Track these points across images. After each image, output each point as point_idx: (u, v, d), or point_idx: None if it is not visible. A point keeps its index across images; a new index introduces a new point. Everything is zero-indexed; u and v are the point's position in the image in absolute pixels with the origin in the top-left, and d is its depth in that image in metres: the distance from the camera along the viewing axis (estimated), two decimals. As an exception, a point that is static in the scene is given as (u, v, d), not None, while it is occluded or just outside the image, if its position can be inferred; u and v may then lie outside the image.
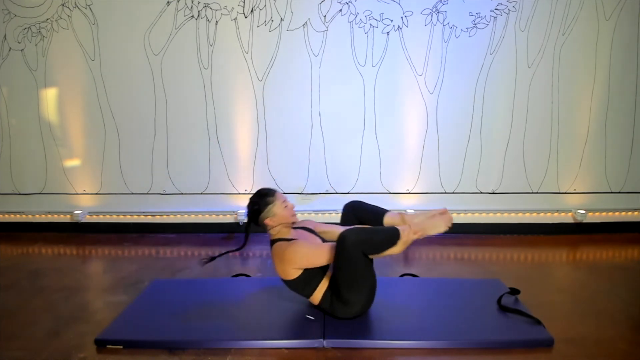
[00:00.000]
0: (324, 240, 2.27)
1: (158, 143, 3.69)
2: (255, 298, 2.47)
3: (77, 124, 3.71)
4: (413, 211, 3.61)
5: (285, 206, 2.18)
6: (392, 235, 2.01)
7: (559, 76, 3.47)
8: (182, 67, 3.56)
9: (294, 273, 2.10)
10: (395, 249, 2.02)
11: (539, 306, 2.30)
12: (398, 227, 2.05)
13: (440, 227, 2.12)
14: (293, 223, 2.23)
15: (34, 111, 3.71)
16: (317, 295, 2.15)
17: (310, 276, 2.12)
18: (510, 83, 3.49)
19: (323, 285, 2.14)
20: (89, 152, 3.76)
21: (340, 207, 2.44)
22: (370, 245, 2.00)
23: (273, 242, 2.19)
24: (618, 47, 3.43)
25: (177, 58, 3.55)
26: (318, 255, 2.06)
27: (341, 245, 1.97)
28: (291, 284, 2.15)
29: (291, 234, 2.21)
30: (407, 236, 2.02)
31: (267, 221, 2.16)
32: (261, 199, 2.17)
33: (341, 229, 2.28)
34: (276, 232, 2.19)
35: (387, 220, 2.29)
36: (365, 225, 2.28)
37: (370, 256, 2.05)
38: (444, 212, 2.16)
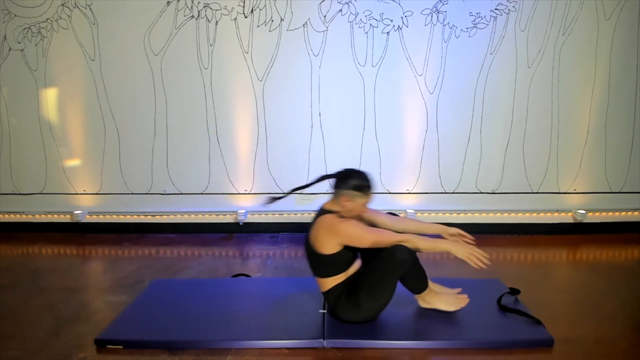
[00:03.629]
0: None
1: (158, 143, 3.69)
2: (255, 298, 2.47)
3: (77, 124, 3.71)
4: (413, 211, 3.62)
5: (364, 208, 2.14)
6: (426, 282, 2.21)
7: (559, 76, 3.47)
8: (182, 67, 3.56)
9: (330, 248, 2.07)
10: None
11: (539, 306, 2.30)
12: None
13: (451, 307, 2.24)
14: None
15: (34, 111, 3.70)
16: (328, 283, 2.14)
17: (336, 261, 2.10)
18: (510, 83, 3.49)
19: (338, 278, 2.13)
20: (89, 152, 3.76)
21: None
22: (410, 274, 2.11)
23: (324, 211, 2.13)
24: (618, 47, 3.43)
25: (177, 58, 3.54)
26: (365, 238, 2.06)
27: (389, 256, 2.01)
28: (316, 257, 2.11)
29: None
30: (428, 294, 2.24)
31: (343, 199, 2.09)
32: (362, 183, 2.09)
33: (391, 222, 2.29)
34: (334, 208, 2.13)
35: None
36: (419, 241, 2.11)
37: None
38: (462, 297, 2.27)
